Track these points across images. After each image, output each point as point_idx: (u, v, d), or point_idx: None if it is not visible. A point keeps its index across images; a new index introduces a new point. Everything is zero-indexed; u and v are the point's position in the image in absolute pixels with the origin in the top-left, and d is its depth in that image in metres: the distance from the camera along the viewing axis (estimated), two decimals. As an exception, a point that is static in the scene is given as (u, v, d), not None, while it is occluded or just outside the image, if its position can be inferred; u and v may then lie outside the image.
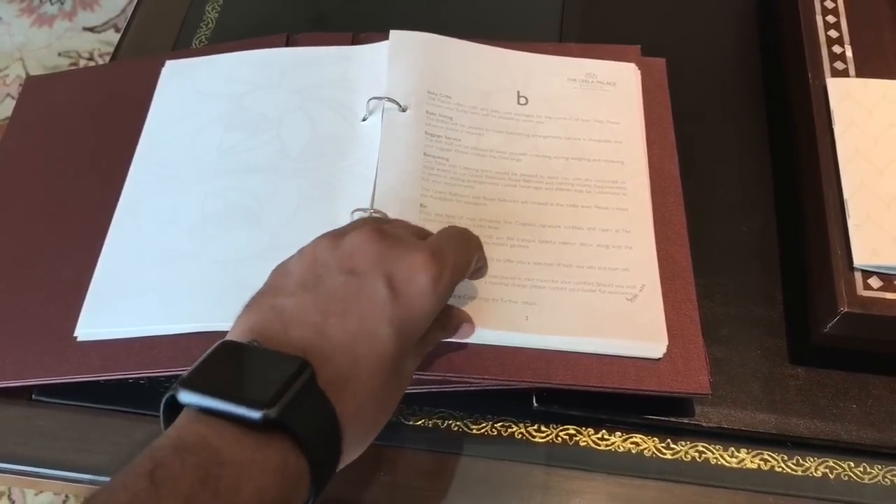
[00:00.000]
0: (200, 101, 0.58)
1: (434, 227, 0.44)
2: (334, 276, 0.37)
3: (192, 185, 0.54)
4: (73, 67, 1.56)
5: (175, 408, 0.33)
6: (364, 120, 0.55)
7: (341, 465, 0.35)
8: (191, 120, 0.58)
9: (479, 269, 0.44)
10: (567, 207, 0.51)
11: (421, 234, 0.42)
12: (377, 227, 0.39)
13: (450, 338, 0.45)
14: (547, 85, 0.57)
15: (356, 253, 0.37)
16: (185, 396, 0.32)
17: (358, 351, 0.35)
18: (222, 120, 0.57)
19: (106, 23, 1.65)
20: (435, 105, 0.54)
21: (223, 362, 0.33)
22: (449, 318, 0.44)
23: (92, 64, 1.58)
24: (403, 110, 0.54)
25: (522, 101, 0.56)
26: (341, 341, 0.35)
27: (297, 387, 0.32)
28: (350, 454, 0.36)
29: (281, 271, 0.39)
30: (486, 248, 0.44)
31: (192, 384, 0.32)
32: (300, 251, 0.39)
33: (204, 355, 0.34)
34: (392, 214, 0.49)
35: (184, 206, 0.53)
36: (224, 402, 0.31)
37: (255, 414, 0.31)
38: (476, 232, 0.44)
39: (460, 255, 0.40)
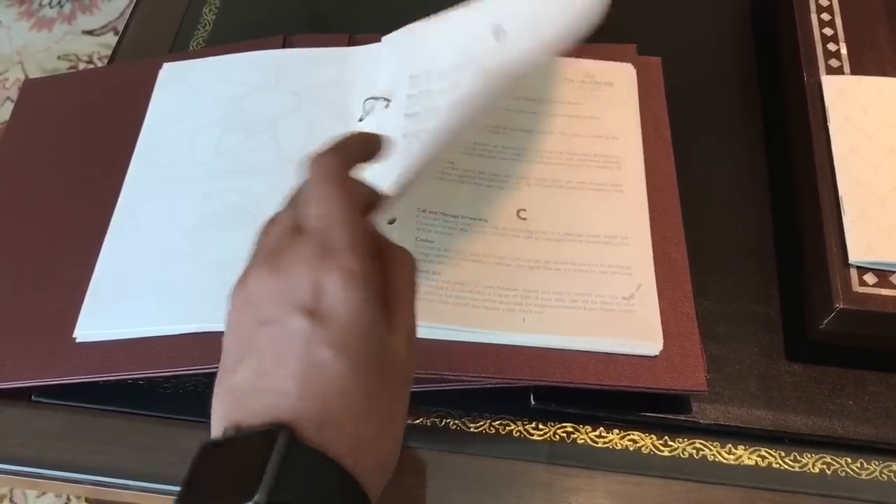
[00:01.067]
0: (198, 102, 0.58)
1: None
2: (257, 333, 0.34)
3: (190, 186, 0.54)
4: (72, 70, 1.56)
5: None
6: (360, 120, 0.55)
7: (375, 491, 0.33)
8: (188, 122, 0.58)
9: (383, 202, 0.39)
10: (563, 205, 0.52)
11: (305, 218, 0.36)
12: (262, 260, 0.35)
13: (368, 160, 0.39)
14: (543, 86, 0.57)
15: (260, 302, 0.34)
16: None
17: (315, 388, 0.32)
18: (219, 122, 0.57)
19: (105, 26, 1.66)
20: (415, 86, 0.54)
21: (205, 466, 0.32)
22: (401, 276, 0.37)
23: (91, 67, 1.58)
24: (387, 105, 0.54)
25: (521, 102, 0.56)
26: (297, 390, 0.32)
27: (277, 458, 0.30)
28: (376, 478, 0.34)
29: (223, 351, 0.36)
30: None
31: (185, 499, 0.31)
32: (226, 321, 0.36)
33: (189, 467, 0.32)
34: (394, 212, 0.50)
35: (182, 207, 0.53)
36: None
37: None
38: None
39: (345, 234, 0.34)
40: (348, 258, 0.33)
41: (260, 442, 0.31)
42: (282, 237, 0.35)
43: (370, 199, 0.38)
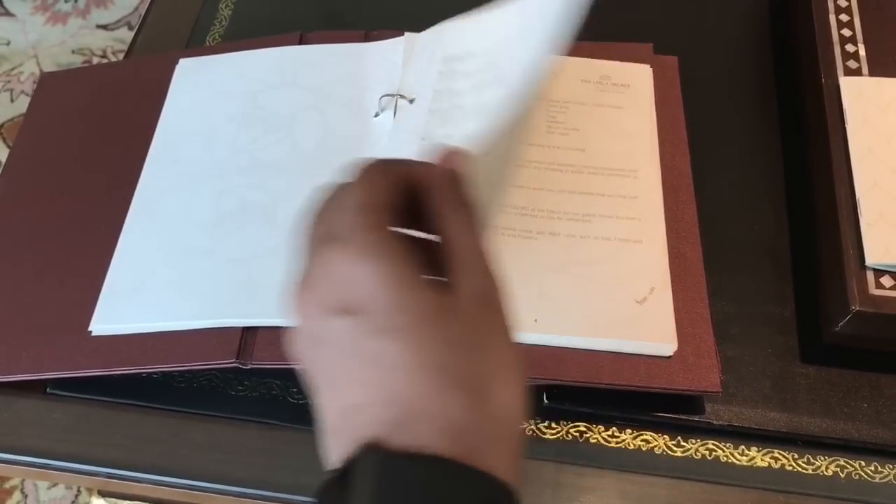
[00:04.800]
0: (214, 99, 0.59)
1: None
2: (315, 362, 0.32)
3: (206, 182, 0.54)
4: (86, 65, 1.57)
5: None
6: (376, 116, 0.55)
7: (509, 456, 0.30)
8: (205, 118, 0.58)
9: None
10: (578, 206, 0.52)
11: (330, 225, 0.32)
12: (297, 289, 0.32)
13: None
14: (561, 86, 0.57)
15: (302, 328, 0.32)
16: None
17: (386, 387, 0.30)
18: (236, 118, 0.57)
19: (119, 20, 1.66)
20: (442, 82, 0.54)
21: None
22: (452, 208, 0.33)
23: (105, 61, 1.59)
24: (411, 102, 0.54)
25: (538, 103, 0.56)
26: (371, 396, 0.30)
27: (369, 479, 0.28)
28: (498, 450, 0.30)
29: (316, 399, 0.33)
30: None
31: None
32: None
33: None
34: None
35: (198, 203, 0.54)
36: None
37: None
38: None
39: (348, 216, 0.32)
40: (357, 235, 0.30)
41: (348, 471, 0.28)
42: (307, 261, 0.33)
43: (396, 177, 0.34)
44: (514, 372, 0.31)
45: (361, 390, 0.30)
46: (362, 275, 0.30)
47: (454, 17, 0.56)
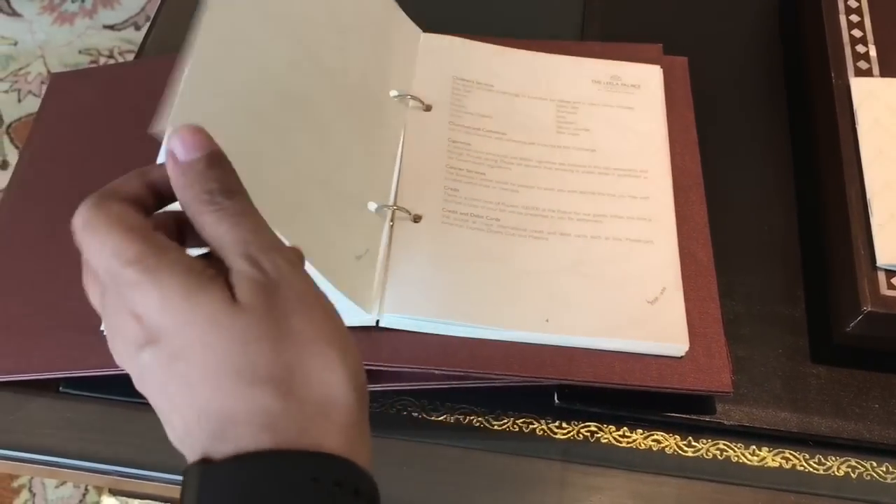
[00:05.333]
0: (225, 98, 0.59)
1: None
2: (151, 397, 0.31)
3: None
4: (93, 65, 1.57)
5: None
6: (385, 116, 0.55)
7: (336, 419, 0.30)
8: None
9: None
10: (589, 206, 0.52)
11: (92, 258, 0.33)
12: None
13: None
14: (571, 87, 0.57)
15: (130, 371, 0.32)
16: None
17: (194, 405, 0.29)
18: (246, 117, 0.57)
19: (126, 21, 1.67)
20: (459, 104, 0.55)
21: None
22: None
23: (112, 62, 1.59)
24: (427, 109, 0.54)
25: (547, 104, 0.56)
26: (188, 419, 0.29)
27: (191, 494, 0.28)
28: (316, 419, 0.29)
29: None
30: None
31: None
32: None
33: None
34: (415, 208, 0.50)
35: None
36: None
37: None
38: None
39: (89, 236, 0.32)
40: (118, 276, 0.30)
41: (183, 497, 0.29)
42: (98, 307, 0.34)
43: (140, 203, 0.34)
44: (324, 345, 0.30)
45: (182, 414, 0.30)
46: (144, 303, 0.30)
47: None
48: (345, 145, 0.49)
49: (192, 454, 0.29)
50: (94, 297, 0.34)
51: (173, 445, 0.31)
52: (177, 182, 0.32)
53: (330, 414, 0.30)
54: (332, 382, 0.30)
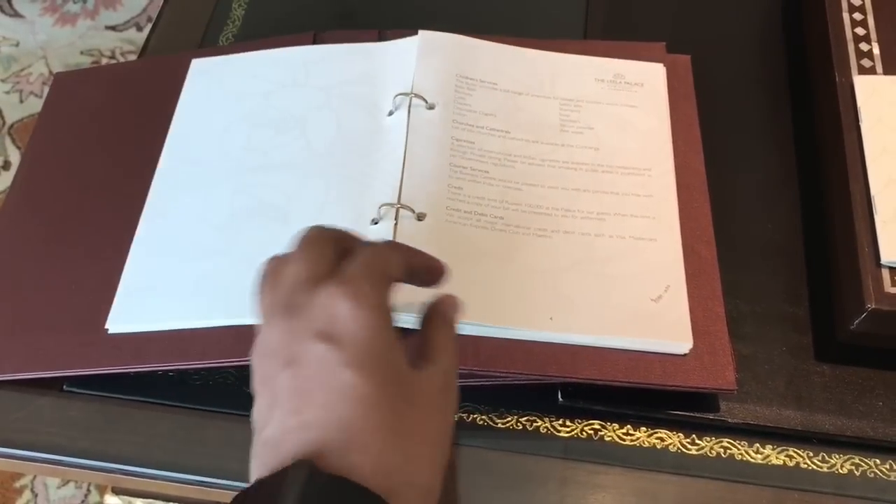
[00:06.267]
0: (227, 99, 0.59)
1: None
2: (282, 378, 0.34)
3: (220, 182, 0.55)
4: (95, 66, 1.57)
5: None
6: (390, 115, 0.55)
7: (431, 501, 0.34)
8: (218, 118, 0.58)
9: (427, 273, 0.41)
10: (592, 205, 0.52)
11: (319, 267, 0.37)
12: (277, 309, 0.36)
13: (427, 284, 0.41)
14: (575, 85, 0.57)
15: (282, 345, 0.35)
16: None
17: (339, 413, 0.33)
18: (249, 118, 0.57)
19: (128, 21, 1.67)
20: (462, 103, 0.55)
21: None
22: (443, 319, 0.40)
23: (114, 62, 1.59)
24: (431, 108, 0.54)
25: (551, 102, 0.56)
26: (323, 419, 0.33)
27: (296, 491, 0.30)
28: (418, 492, 0.34)
29: (253, 412, 0.37)
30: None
31: None
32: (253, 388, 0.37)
33: None
34: (419, 207, 0.50)
35: (212, 202, 0.54)
36: None
37: None
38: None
39: (368, 261, 0.37)
40: (360, 282, 0.35)
41: (279, 479, 0.31)
42: (295, 291, 0.36)
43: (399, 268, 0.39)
44: (439, 452, 0.36)
45: (314, 412, 0.33)
46: (352, 316, 0.34)
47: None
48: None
49: (296, 446, 0.32)
50: (293, 284, 0.36)
51: (260, 426, 0.35)
52: (444, 307, 0.40)
53: (423, 494, 0.34)
54: (431, 475, 0.35)
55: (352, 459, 0.32)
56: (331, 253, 0.37)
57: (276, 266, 0.38)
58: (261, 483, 0.32)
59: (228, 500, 0.32)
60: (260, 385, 0.36)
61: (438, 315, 0.40)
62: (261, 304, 0.37)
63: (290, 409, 0.34)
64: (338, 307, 0.34)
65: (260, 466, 0.33)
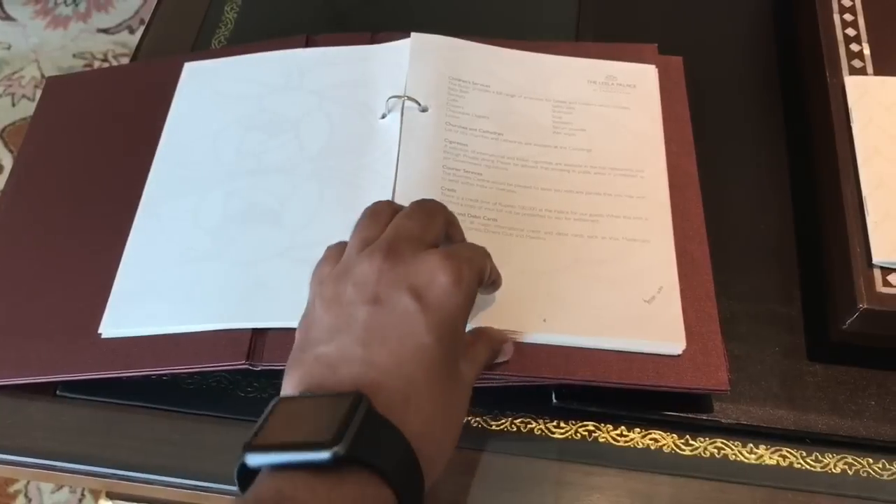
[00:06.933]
0: (220, 102, 0.59)
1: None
2: (362, 310, 0.37)
3: (212, 185, 0.55)
4: (87, 69, 1.57)
5: (250, 474, 0.33)
6: (383, 118, 0.55)
7: (429, 482, 0.36)
8: (210, 121, 0.58)
9: (494, 283, 0.45)
10: (585, 206, 0.52)
11: (429, 234, 0.41)
12: (383, 249, 0.39)
13: (496, 359, 0.45)
14: (567, 87, 0.57)
15: (373, 281, 0.38)
16: (253, 459, 0.33)
17: (407, 369, 0.36)
18: (242, 121, 0.57)
19: (120, 24, 1.67)
20: (455, 105, 0.55)
21: (281, 418, 0.34)
22: (491, 338, 0.45)
23: (106, 65, 1.59)
24: (424, 110, 0.54)
25: (543, 104, 0.56)
26: (389, 365, 0.36)
27: (358, 419, 0.32)
28: (432, 469, 0.36)
29: (307, 324, 0.39)
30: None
31: (256, 446, 0.33)
32: (316, 299, 0.40)
33: (261, 416, 0.34)
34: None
35: (205, 206, 0.54)
36: (290, 454, 0.32)
37: (324, 455, 0.31)
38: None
39: (474, 254, 0.41)
40: (465, 266, 0.38)
41: (344, 401, 0.33)
42: (404, 241, 0.39)
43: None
44: (455, 439, 0.39)
45: (384, 355, 0.36)
46: (448, 291, 0.37)
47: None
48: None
49: (350, 376, 0.35)
50: (409, 236, 0.40)
51: (314, 344, 0.38)
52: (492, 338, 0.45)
53: (440, 450, 0.37)
54: (447, 456, 0.38)
55: (405, 414, 0.35)
56: (442, 228, 0.41)
57: (390, 213, 0.42)
58: (315, 397, 0.35)
59: (225, 504, 0.33)
60: (330, 304, 0.38)
61: (491, 336, 0.45)
62: (362, 234, 0.41)
63: (358, 339, 0.36)
64: (439, 276, 0.37)
65: (306, 376, 0.36)
